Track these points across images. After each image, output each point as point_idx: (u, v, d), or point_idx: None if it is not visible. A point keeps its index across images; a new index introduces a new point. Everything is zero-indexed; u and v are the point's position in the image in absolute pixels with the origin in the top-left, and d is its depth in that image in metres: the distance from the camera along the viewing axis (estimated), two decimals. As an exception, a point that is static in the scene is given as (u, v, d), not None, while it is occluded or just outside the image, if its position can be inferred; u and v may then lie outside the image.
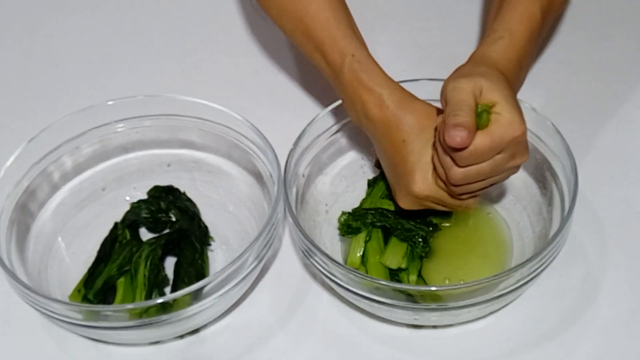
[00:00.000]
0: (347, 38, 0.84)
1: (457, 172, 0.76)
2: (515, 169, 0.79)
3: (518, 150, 0.76)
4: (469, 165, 0.75)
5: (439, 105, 0.80)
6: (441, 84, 0.85)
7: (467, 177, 0.76)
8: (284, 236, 0.95)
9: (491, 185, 0.80)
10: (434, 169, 0.79)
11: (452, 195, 0.80)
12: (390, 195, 0.92)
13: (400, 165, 0.81)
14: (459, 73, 0.78)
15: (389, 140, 0.81)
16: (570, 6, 1.18)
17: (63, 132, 0.93)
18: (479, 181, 0.77)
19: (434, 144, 0.79)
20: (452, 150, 0.74)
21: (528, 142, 0.88)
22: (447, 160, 0.76)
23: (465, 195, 0.81)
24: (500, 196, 0.94)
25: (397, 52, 1.13)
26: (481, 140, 0.73)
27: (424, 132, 0.80)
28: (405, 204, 0.83)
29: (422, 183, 0.80)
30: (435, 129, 0.79)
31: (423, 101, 0.82)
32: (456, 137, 0.71)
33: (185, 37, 1.20)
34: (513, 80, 0.81)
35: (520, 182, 0.93)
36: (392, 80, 0.83)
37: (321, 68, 0.87)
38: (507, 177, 0.80)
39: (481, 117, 0.74)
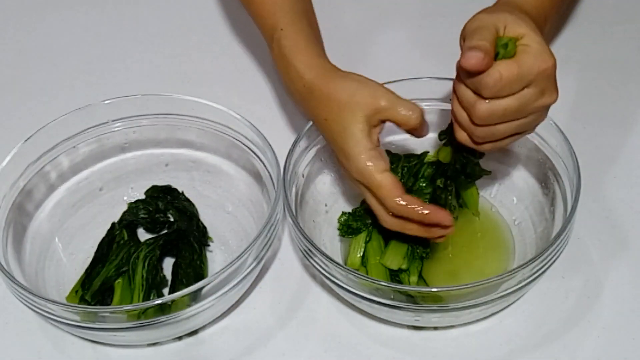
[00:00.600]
0: (282, 10, 0.85)
1: (482, 106, 0.72)
2: (544, 112, 0.75)
3: (548, 86, 0.73)
4: (494, 99, 0.71)
5: (439, 106, 0.79)
6: (442, 82, 0.85)
7: (493, 113, 0.72)
8: (284, 236, 0.94)
9: (516, 135, 0.76)
10: (455, 118, 0.76)
11: (475, 141, 0.76)
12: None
13: (332, 143, 0.81)
14: (481, 10, 0.76)
15: (313, 118, 0.82)
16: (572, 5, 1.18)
17: (60, 132, 0.93)
18: (505, 122, 0.74)
19: (453, 89, 0.76)
20: (469, 76, 0.71)
21: (530, 141, 0.88)
22: (470, 95, 0.73)
23: (489, 145, 0.76)
24: (502, 196, 0.94)
25: (397, 51, 1.13)
26: (509, 67, 0.70)
27: (348, 108, 0.78)
28: (347, 178, 0.82)
29: (357, 166, 0.78)
30: (456, 76, 0.75)
31: (349, 76, 0.80)
32: (471, 57, 0.69)
33: (183, 36, 1.19)
34: (538, 25, 0.77)
35: (522, 182, 0.93)
36: (318, 56, 0.82)
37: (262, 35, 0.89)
38: (537, 122, 0.76)
39: (507, 47, 0.71)
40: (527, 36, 0.72)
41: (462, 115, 0.75)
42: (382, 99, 0.78)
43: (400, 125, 0.79)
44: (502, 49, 0.72)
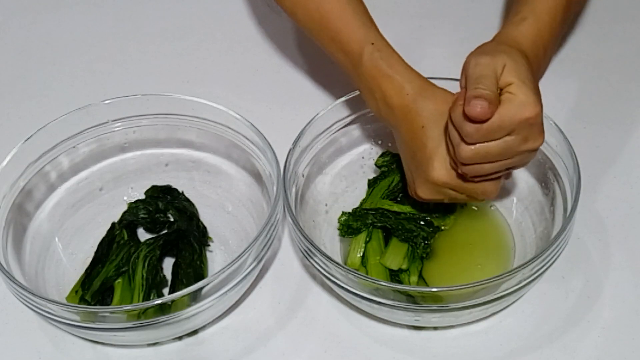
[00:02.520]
0: (365, 27, 0.83)
1: (465, 149, 0.74)
2: (531, 153, 0.77)
3: (531, 133, 0.74)
4: (477, 143, 0.73)
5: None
6: (442, 82, 0.85)
7: (475, 155, 0.74)
8: (284, 236, 0.94)
9: (507, 169, 0.78)
10: (447, 151, 0.78)
11: (465, 178, 0.79)
12: (391, 196, 0.92)
13: (419, 151, 0.80)
14: (482, 50, 0.77)
15: (408, 127, 0.81)
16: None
17: (60, 132, 0.93)
18: (490, 162, 0.76)
19: (446, 126, 0.78)
20: (470, 121, 0.72)
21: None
22: (456, 136, 0.74)
23: (478, 179, 0.79)
24: (502, 196, 0.94)
25: (398, 50, 1.12)
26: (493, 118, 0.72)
27: (443, 118, 0.79)
28: (424, 192, 0.82)
29: (440, 169, 0.79)
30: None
31: (443, 89, 0.82)
32: (477, 106, 0.70)
33: (183, 36, 1.19)
34: (536, 63, 0.80)
35: (522, 182, 0.93)
36: (412, 69, 0.82)
37: (337, 59, 0.86)
38: (524, 161, 0.78)
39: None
40: (515, 85, 0.73)
41: (451, 151, 0.77)
42: None
43: None
44: None
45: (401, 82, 0.81)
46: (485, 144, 0.74)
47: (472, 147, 0.74)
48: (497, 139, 0.74)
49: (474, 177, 0.78)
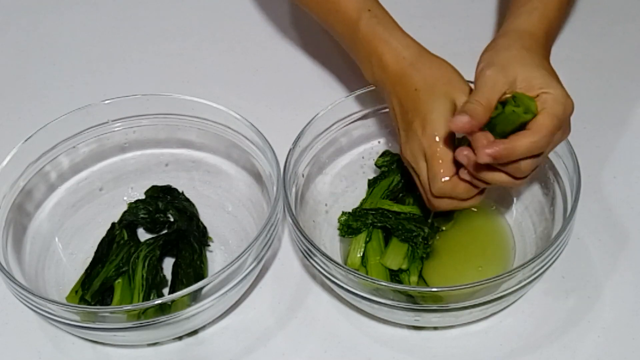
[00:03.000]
0: None
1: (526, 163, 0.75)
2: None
3: (567, 124, 0.77)
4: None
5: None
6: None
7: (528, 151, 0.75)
8: (284, 236, 0.94)
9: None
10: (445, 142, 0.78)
11: (455, 161, 0.79)
12: (391, 196, 0.92)
13: (411, 111, 0.81)
14: (495, 60, 0.78)
15: (402, 90, 0.82)
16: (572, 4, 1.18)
17: (60, 132, 0.93)
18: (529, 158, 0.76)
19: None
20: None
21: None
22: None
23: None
24: (502, 196, 0.94)
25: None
26: (549, 121, 0.74)
27: (438, 83, 0.80)
28: (406, 152, 0.82)
29: (431, 134, 0.79)
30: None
31: (439, 57, 0.83)
32: (456, 123, 0.72)
33: (183, 36, 1.19)
34: (548, 51, 0.82)
35: (524, 183, 0.92)
36: (408, 35, 0.84)
37: (335, 29, 0.88)
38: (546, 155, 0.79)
39: (527, 111, 0.74)
40: (545, 86, 0.76)
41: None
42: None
43: None
44: (525, 114, 0.74)
45: (398, 47, 0.83)
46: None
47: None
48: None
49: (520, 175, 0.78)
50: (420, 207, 0.90)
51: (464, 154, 0.75)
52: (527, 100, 0.74)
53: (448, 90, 0.80)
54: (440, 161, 0.78)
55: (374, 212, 0.90)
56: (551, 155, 0.88)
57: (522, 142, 0.73)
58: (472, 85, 0.80)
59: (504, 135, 0.74)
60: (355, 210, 0.92)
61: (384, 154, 0.95)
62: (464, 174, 0.77)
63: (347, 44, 0.88)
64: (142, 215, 0.94)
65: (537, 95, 0.75)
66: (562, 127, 0.75)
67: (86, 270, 0.89)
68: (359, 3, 0.85)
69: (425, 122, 0.79)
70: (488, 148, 0.72)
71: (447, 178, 0.78)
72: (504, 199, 0.94)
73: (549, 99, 0.75)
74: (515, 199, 0.93)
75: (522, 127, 0.74)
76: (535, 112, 0.74)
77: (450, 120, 0.74)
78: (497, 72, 0.76)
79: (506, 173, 0.76)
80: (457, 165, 0.78)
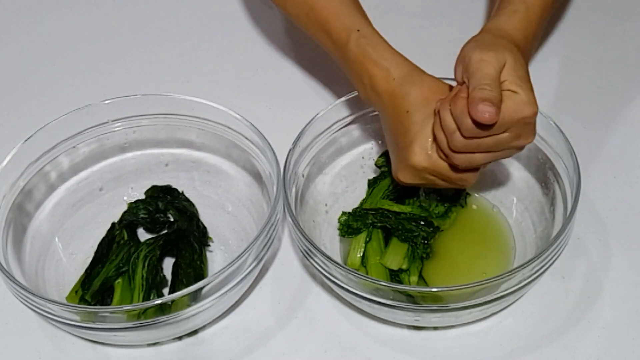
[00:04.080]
0: (351, 14, 0.85)
1: (459, 139, 0.75)
2: (519, 148, 0.78)
3: (524, 131, 0.76)
4: (472, 138, 0.75)
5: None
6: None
7: (467, 145, 0.75)
8: (284, 236, 0.94)
9: (491, 161, 0.79)
10: (434, 138, 0.79)
11: (451, 165, 0.79)
12: (391, 196, 0.92)
13: (402, 136, 0.81)
14: (482, 44, 0.77)
15: (393, 112, 0.81)
16: (572, 4, 1.18)
17: (60, 132, 0.93)
18: (480, 153, 0.77)
19: (435, 111, 0.78)
20: (454, 110, 0.74)
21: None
22: (451, 125, 0.75)
23: (463, 167, 0.79)
24: (502, 196, 0.94)
25: (398, 50, 1.12)
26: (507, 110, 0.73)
27: (429, 104, 0.80)
28: (404, 176, 0.83)
29: (420, 154, 0.80)
30: (440, 102, 0.78)
31: (431, 75, 0.82)
32: (485, 112, 0.71)
33: (183, 36, 1.19)
34: (527, 55, 0.81)
35: (522, 182, 0.93)
36: (399, 54, 0.83)
37: (326, 47, 0.87)
38: (510, 155, 0.79)
39: None
40: (516, 84, 0.74)
41: (442, 138, 0.77)
42: None
43: None
44: None
45: (387, 67, 0.82)
46: (479, 138, 0.75)
47: (466, 139, 0.75)
48: (493, 135, 0.74)
49: (461, 165, 0.79)
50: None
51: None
52: None
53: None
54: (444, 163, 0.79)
55: (374, 212, 0.90)
56: (551, 155, 0.88)
57: (467, 121, 0.73)
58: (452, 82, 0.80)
59: None
60: (355, 210, 0.92)
61: (384, 154, 0.95)
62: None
63: (339, 64, 0.87)
64: (142, 215, 0.94)
65: (507, 90, 0.74)
66: (511, 130, 0.74)
67: (86, 270, 0.89)
68: (348, 23, 0.84)
69: (413, 142, 0.79)
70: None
71: (459, 136, 0.76)
72: (504, 199, 0.94)
73: (508, 96, 0.74)
74: (515, 199, 0.93)
75: None
76: None
77: (476, 110, 0.71)
78: (494, 55, 0.75)
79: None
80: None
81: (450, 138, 0.76)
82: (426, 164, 0.80)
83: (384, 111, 0.83)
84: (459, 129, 0.75)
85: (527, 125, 0.75)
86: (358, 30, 0.84)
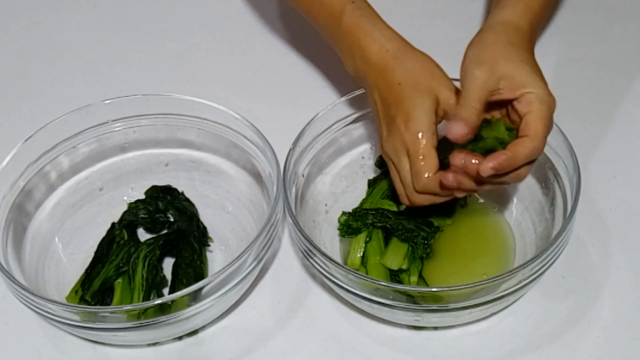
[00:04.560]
0: None
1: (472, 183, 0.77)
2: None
3: (552, 121, 0.78)
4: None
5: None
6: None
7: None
8: (284, 236, 0.94)
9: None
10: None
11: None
12: (391, 195, 0.92)
13: (394, 105, 0.81)
14: (481, 53, 0.78)
15: (384, 83, 0.82)
16: (572, 4, 1.18)
17: (60, 132, 0.93)
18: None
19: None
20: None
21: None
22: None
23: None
24: (502, 196, 0.94)
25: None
26: (542, 125, 0.76)
27: (421, 78, 0.80)
28: (387, 146, 0.82)
29: (414, 131, 0.79)
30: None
31: (422, 52, 0.83)
32: (455, 133, 0.75)
33: (183, 36, 1.19)
34: (532, 43, 0.82)
35: (522, 182, 0.92)
36: (392, 28, 0.84)
37: (317, 21, 0.88)
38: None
39: (498, 126, 0.76)
40: (530, 85, 0.76)
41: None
42: (450, 104, 0.80)
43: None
44: (490, 129, 0.77)
45: (381, 38, 0.83)
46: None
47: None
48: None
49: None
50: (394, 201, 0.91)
51: (460, 157, 0.75)
52: (502, 130, 0.76)
53: (432, 86, 0.80)
54: (423, 158, 0.78)
55: (374, 212, 0.90)
56: (551, 155, 0.88)
57: (523, 150, 0.74)
58: (456, 83, 0.80)
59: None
60: (355, 210, 0.91)
61: (384, 154, 0.95)
62: (447, 180, 0.77)
63: (329, 36, 0.88)
64: (142, 215, 0.94)
65: (522, 95, 0.76)
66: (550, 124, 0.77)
67: (86, 270, 0.89)
68: None
69: (408, 118, 0.79)
70: (491, 161, 0.73)
71: (430, 174, 0.78)
72: (504, 199, 0.94)
73: (534, 99, 0.76)
74: (515, 199, 0.93)
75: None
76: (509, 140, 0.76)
77: (449, 128, 0.75)
78: (485, 71, 0.76)
79: (502, 183, 0.78)
80: (440, 161, 0.78)
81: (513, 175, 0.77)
82: (415, 142, 0.79)
83: (373, 83, 0.83)
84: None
85: (551, 116, 0.77)
86: (353, 2, 0.84)
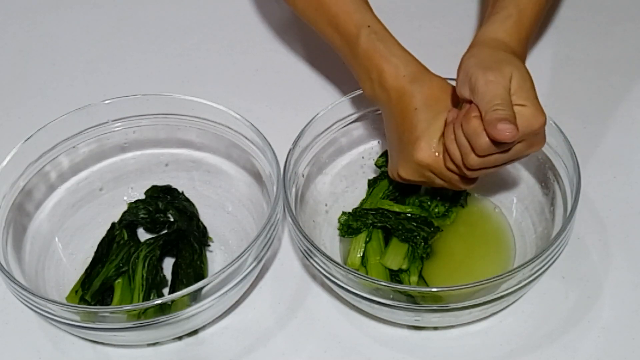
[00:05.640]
0: (361, 10, 0.86)
1: (474, 159, 0.76)
2: (529, 154, 0.79)
3: (537, 139, 0.77)
4: (488, 155, 0.75)
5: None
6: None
7: (484, 163, 0.76)
8: (284, 236, 0.94)
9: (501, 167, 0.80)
10: (445, 149, 0.79)
11: (463, 177, 0.80)
12: (391, 196, 0.92)
13: (408, 132, 0.81)
14: (484, 62, 0.77)
15: (400, 109, 0.82)
16: (572, 4, 1.18)
17: (60, 132, 0.93)
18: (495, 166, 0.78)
19: (447, 124, 0.79)
20: (493, 141, 0.74)
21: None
22: (466, 145, 0.76)
23: (473, 177, 0.81)
24: (502, 196, 0.94)
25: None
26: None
27: (437, 103, 0.81)
28: (406, 171, 0.83)
29: (427, 150, 0.80)
30: (454, 114, 0.79)
31: (438, 76, 0.83)
32: (505, 130, 0.71)
33: (183, 36, 1.19)
34: (522, 58, 0.81)
35: (522, 182, 0.93)
36: (408, 52, 0.84)
37: (334, 43, 0.88)
38: (522, 159, 0.80)
39: None
40: (523, 97, 0.75)
41: (457, 156, 0.78)
42: None
43: None
44: None
45: (397, 64, 0.83)
46: (495, 154, 0.76)
47: (483, 158, 0.76)
48: (507, 150, 0.75)
49: (472, 176, 0.80)
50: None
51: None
52: None
53: (445, 108, 0.80)
54: (470, 124, 0.76)
55: (374, 212, 0.90)
56: (551, 155, 0.88)
57: (482, 141, 0.74)
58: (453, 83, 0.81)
59: None
60: (355, 210, 0.92)
61: (384, 154, 0.95)
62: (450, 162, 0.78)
63: (346, 59, 0.88)
64: (142, 215, 0.94)
65: (516, 104, 0.75)
66: (525, 140, 0.75)
67: (86, 270, 0.89)
68: (358, 19, 0.85)
69: (419, 139, 0.80)
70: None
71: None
72: (504, 199, 0.94)
73: (519, 111, 0.74)
74: (515, 199, 0.93)
75: None
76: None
77: (496, 129, 0.72)
78: (499, 74, 0.75)
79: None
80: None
81: (467, 158, 0.76)
82: (430, 161, 0.80)
83: (389, 107, 0.83)
84: (472, 148, 0.75)
85: (538, 135, 0.76)
86: (369, 26, 0.84)
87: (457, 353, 0.84)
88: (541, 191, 0.91)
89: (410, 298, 0.80)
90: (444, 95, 0.81)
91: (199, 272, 0.89)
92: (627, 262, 0.90)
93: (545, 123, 0.75)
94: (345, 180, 0.96)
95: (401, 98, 0.82)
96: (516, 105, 0.74)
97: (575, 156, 0.84)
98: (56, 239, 0.93)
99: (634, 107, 1.05)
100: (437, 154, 0.80)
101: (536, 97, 0.75)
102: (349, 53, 0.86)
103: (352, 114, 0.94)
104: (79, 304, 0.86)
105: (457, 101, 0.81)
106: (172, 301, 0.80)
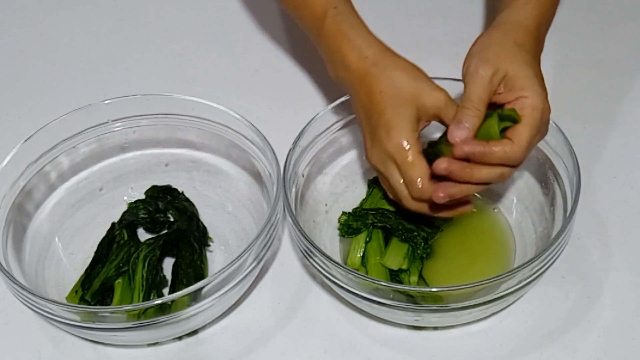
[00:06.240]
0: None
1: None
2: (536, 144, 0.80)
3: (545, 127, 0.78)
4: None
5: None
6: (442, 83, 0.84)
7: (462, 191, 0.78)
8: (284, 236, 0.94)
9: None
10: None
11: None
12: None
13: (376, 115, 0.80)
14: (487, 50, 0.78)
15: (365, 91, 0.81)
16: (572, 4, 1.18)
17: (60, 132, 0.93)
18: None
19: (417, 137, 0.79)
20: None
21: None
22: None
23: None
24: (502, 196, 0.94)
25: (397, 51, 1.12)
26: (528, 132, 0.76)
27: (402, 87, 0.79)
28: (372, 156, 0.82)
29: (397, 141, 0.78)
30: (423, 123, 0.80)
31: (403, 58, 0.82)
32: (458, 136, 0.75)
33: (183, 36, 1.19)
34: (540, 43, 0.82)
35: (522, 182, 0.93)
36: (373, 35, 0.83)
37: (304, 24, 0.88)
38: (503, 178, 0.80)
39: (491, 123, 0.76)
40: (526, 89, 0.76)
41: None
42: (439, 106, 0.80)
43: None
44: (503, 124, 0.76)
45: (361, 45, 0.82)
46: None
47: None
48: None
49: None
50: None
51: (442, 167, 0.76)
52: (495, 129, 0.76)
53: (414, 94, 0.79)
54: (412, 165, 0.78)
55: (374, 212, 0.90)
56: (551, 155, 0.88)
57: (499, 151, 0.75)
58: (456, 84, 0.81)
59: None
60: (355, 210, 0.92)
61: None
62: (438, 197, 0.77)
63: (314, 40, 0.87)
64: (142, 215, 0.94)
65: (517, 99, 0.76)
66: (540, 132, 0.77)
67: (86, 270, 0.89)
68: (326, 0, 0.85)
69: (389, 127, 0.78)
70: (467, 145, 0.74)
71: (423, 180, 0.77)
72: (504, 199, 0.94)
73: (527, 104, 0.76)
74: (515, 199, 0.93)
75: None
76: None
77: (450, 131, 0.75)
78: (489, 70, 0.76)
79: (479, 183, 0.77)
80: (431, 166, 0.78)
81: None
82: (396, 153, 0.79)
83: (354, 89, 0.83)
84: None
85: (546, 122, 0.77)
86: (335, 7, 0.84)
87: (457, 353, 0.84)
88: (541, 191, 0.91)
89: (410, 298, 0.80)
90: (410, 77, 0.80)
91: (199, 272, 0.89)
92: (627, 262, 0.90)
93: (546, 110, 0.76)
94: (345, 180, 0.96)
95: (364, 80, 0.81)
96: (520, 97, 0.76)
97: (575, 156, 0.84)
98: (56, 239, 0.93)
99: (634, 107, 1.05)
100: (405, 143, 0.78)
101: (538, 84, 0.76)
102: (316, 34, 0.86)
103: (353, 114, 0.94)
104: (79, 304, 0.86)
105: (424, 80, 0.80)
106: (172, 301, 0.80)
